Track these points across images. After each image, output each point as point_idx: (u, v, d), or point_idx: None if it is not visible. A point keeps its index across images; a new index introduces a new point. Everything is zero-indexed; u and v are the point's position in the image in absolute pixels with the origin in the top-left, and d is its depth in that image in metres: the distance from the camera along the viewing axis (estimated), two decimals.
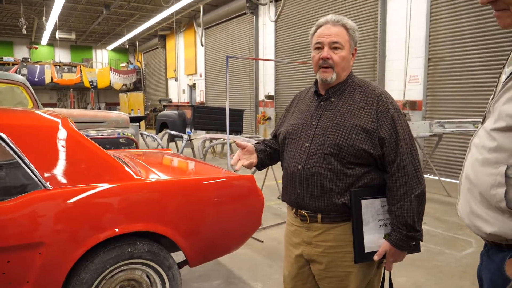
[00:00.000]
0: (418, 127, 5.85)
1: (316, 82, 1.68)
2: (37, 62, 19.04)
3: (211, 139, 7.35)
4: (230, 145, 5.56)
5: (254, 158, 1.70)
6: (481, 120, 1.13)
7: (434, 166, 6.16)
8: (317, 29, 1.60)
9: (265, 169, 5.06)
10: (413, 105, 7.56)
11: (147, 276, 2.29)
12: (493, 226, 1.02)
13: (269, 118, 11.97)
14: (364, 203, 1.50)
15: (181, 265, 2.49)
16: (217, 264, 3.39)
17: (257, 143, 1.81)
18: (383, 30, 8.11)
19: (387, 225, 1.55)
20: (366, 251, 1.51)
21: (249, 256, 3.63)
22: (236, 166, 1.65)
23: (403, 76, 7.73)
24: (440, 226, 4.51)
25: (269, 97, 11.98)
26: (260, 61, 12.30)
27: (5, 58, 18.59)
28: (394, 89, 7.92)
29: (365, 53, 8.61)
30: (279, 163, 1.81)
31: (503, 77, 1.06)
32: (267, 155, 1.78)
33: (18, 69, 17.33)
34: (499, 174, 0.98)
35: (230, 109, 4.09)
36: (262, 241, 3.98)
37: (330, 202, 1.51)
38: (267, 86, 12.21)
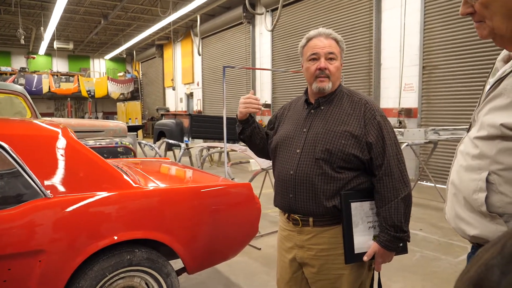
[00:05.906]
0: (414, 134, 5.88)
1: (306, 91, 1.75)
2: (34, 72, 19.07)
3: (208, 148, 7.39)
4: (228, 153, 5.60)
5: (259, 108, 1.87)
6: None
7: (430, 173, 6.21)
8: (307, 41, 1.67)
9: (262, 177, 5.10)
10: (408, 112, 7.63)
11: (146, 283, 2.31)
12: (476, 229, 1.07)
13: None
14: (354, 205, 1.56)
15: (179, 272, 2.51)
16: (215, 272, 3.41)
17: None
18: (378, 38, 8.21)
19: (376, 227, 1.60)
20: (356, 252, 1.56)
21: (247, 264, 3.65)
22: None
23: (398, 84, 7.81)
24: (436, 232, 4.55)
25: (266, 105, 12.05)
26: (257, 70, 12.39)
27: (3, 68, 18.67)
28: (390, 97, 8.00)
29: (360, 62, 8.71)
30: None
31: (487, 87, 1.12)
32: (256, 126, 1.96)
33: (16, 79, 17.35)
34: (481, 179, 1.03)
35: (227, 118, 4.14)
36: (260, 249, 4.01)
37: (322, 206, 1.56)
38: (264, 94, 12.29)
